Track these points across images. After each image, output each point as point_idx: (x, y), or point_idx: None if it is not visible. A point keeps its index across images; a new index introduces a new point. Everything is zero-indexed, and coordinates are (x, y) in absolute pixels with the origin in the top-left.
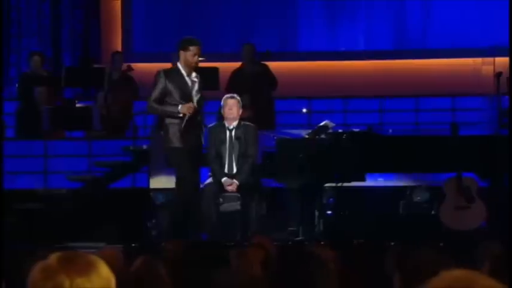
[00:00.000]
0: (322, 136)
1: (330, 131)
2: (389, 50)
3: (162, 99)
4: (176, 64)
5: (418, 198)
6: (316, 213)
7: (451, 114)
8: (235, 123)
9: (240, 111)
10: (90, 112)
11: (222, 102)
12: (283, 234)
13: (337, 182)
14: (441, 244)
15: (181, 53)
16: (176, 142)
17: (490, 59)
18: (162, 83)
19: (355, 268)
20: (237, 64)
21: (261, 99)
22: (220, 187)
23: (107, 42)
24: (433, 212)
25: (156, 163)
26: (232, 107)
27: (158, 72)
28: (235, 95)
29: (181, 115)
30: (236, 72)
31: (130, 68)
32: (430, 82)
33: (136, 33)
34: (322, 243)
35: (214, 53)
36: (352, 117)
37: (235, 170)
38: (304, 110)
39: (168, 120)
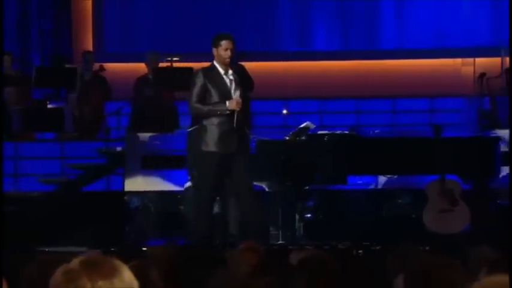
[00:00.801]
0: (303, 138)
1: (311, 132)
2: (366, 50)
3: (203, 98)
4: (212, 63)
5: (400, 201)
6: (297, 216)
7: (429, 116)
8: None
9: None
10: (61, 113)
11: None
12: (263, 238)
13: (318, 185)
14: (427, 248)
15: (214, 50)
16: (212, 146)
17: (470, 60)
18: (200, 81)
19: (348, 271)
20: None
21: None
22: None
23: (78, 42)
24: (414, 216)
25: (132, 165)
26: None
27: (196, 72)
28: None
29: (228, 112)
30: None
31: (102, 68)
32: (408, 83)
33: (109, 32)
34: (307, 247)
35: (190, 52)
36: (329, 119)
37: None
38: (285, 112)
39: (206, 122)
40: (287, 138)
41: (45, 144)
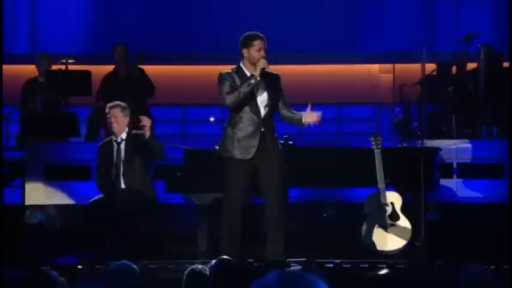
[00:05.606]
0: None
1: None
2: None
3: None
4: (239, 65)
5: (325, 215)
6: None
7: (338, 124)
8: (124, 135)
9: (128, 119)
10: None
11: (106, 110)
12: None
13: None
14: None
15: (245, 52)
16: (238, 153)
17: (388, 66)
18: (228, 80)
19: None
20: (111, 67)
21: (136, 106)
22: (113, 204)
23: None
24: (341, 230)
25: (33, 176)
26: (117, 116)
27: (220, 74)
28: (118, 102)
29: (258, 79)
30: (108, 77)
31: None
32: (320, 89)
33: None
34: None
35: (86, 54)
36: None
37: (123, 186)
38: (212, 119)
39: (230, 129)
40: (217, 148)
41: None
